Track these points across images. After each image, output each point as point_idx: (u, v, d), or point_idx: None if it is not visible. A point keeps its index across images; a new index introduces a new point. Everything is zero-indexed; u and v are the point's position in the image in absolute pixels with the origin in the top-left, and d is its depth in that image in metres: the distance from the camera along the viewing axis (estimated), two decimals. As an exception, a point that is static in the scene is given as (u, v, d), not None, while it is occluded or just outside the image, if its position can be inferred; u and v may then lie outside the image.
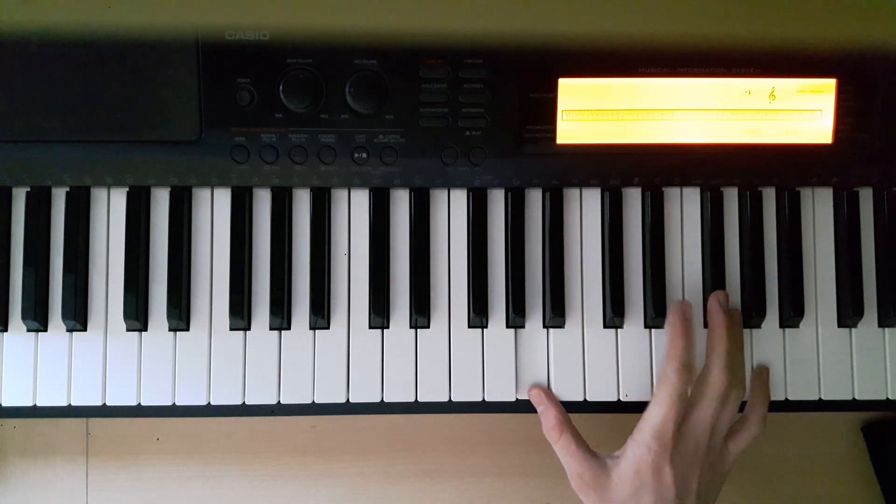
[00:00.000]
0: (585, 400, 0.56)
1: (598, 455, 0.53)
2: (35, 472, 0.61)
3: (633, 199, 0.58)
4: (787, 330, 0.58)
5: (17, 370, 0.55)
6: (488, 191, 0.57)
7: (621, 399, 0.56)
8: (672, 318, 0.54)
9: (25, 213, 0.56)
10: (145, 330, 0.56)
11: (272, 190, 0.57)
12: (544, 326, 0.57)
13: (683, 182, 0.58)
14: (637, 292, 0.57)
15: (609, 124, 0.55)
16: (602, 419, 0.55)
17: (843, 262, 0.58)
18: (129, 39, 0.52)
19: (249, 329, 0.56)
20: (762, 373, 0.56)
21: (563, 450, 0.54)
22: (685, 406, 0.52)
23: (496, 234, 0.57)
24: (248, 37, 0.52)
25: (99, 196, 0.57)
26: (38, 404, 0.55)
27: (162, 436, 0.62)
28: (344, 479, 0.62)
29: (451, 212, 0.58)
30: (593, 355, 0.57)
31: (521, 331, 0.57)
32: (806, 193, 0.58)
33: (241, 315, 0.55)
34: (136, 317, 0.55)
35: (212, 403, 0.55)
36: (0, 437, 0.61)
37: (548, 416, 0.55)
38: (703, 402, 0.52)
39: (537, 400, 0.56)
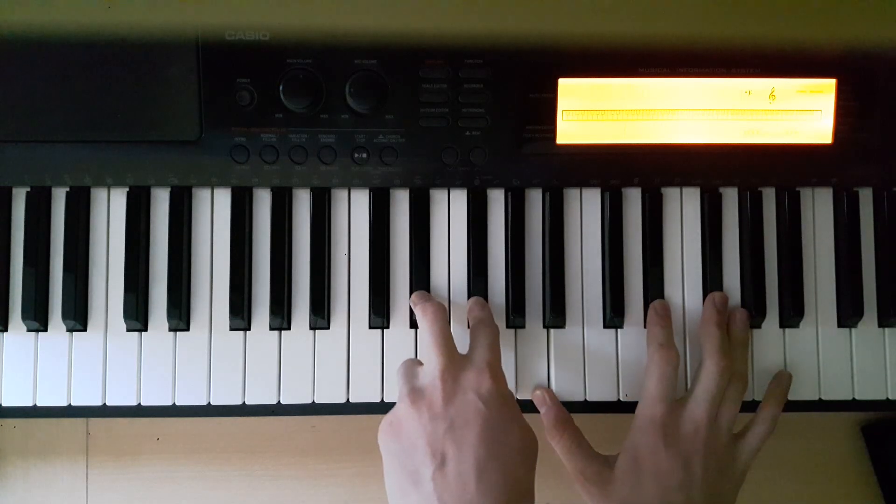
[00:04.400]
0: (585, 400, 0.56)
1: (600, 454, 0.54)
2: (35, 472, 0.61)
3: (633, 199, 0.58)
4: (787, 330, 0.58)
5: (17, 370, 0.55)
6: (488, 191, 0.57)
7: (621, 399, 0.56)
8: (649, 314, 0.56)
9: (25, 214, 0.56)
10: (145, 330, 0.56)
11: (272, 190, 0.57)
12: (544, 326, 0.57)
13: (683, 182, 0.58)
14: (637, 292, 0.57)
15: (609, 124, 0.55)
16: (602, 419, 0.55)
17: (843, 262, 0.58)
18: (129, 39, 0.52)
19: (249, 329, 0.56)
20: (782, 378, 0.56)
21: (565, 449, 0.54)
22: (674, 388, 0.52)
23: (496, 234, 0.57)
24: (248, 37, 0.52)
25: (99, 196, 0.57)
26: (38, 404, 0.55)
27: (162, 436, 0.62)
28: (344, 479, 0.62)
29: (451, 212, 0.58)
30: (593, 355, 0.57)
31: (521, 331, 0.57)
32: (806, 193, 0.58)
33: (241, 315, 0.55)
34: (137, 317, 0.55)
35: (212, 403, 0.55)
36: (0, 437, 0.61)
37: (549, 416, 0.55)
38: (698, 388, 0.53)
39: (540, 401, 0.56)
